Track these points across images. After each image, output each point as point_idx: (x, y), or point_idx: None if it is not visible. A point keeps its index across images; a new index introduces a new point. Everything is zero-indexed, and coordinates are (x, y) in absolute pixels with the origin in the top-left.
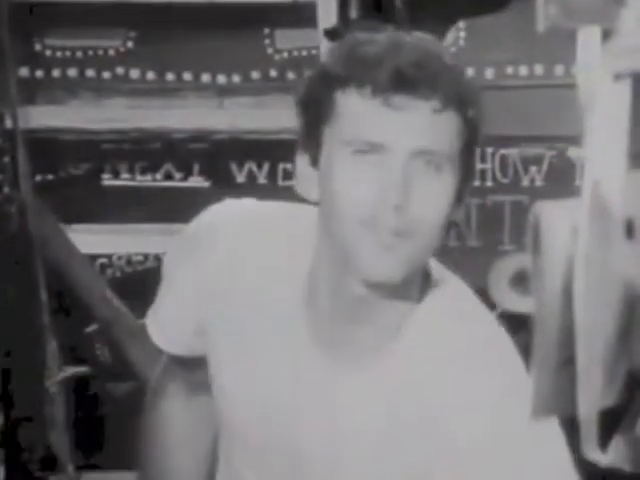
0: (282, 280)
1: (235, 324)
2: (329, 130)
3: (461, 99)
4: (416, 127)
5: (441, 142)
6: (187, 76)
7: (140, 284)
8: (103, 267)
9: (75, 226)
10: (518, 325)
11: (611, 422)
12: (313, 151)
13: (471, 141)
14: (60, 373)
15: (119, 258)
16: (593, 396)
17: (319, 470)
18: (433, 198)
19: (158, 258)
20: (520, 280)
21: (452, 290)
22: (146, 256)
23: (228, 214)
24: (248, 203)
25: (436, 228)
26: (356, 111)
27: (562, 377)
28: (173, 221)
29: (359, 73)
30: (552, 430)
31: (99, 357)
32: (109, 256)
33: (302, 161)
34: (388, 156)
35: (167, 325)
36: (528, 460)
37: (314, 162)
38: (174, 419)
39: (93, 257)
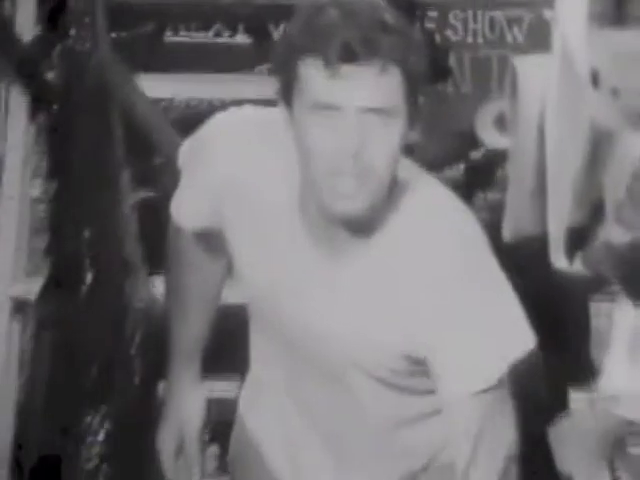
0: (280, 183)
1: (244, 216)
2: (297, 91)
3: (401, 57)
4: (362, 89)
5: (386, 98)
6: None
7: (195, 123)
8: (166, 109)
9: (143, 75)
10: (500, 160)
11: (577, 239)
12: (287, 106)
13: (415, 86)
14: (133, 196)
15: (179, 102)
16: (562, 216)
17: (319, 337)
18: (384, 144)
19: (210, 102)
20: (502, 121)
21: (420, 187)
22: (201, 100)
23: (233, 122)
24: (249, 111)
25: (390, 167)
26: (312, 78)
27: (535, 201)
28: (222, 71)
29: (312, 47)
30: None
31: (164, 184)
32: (170, 100)
33: (282, 106)
34: (342, 114)
35: (186, 211)
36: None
37: (290, 112)
38: (190, 255)
39: (157, 101)
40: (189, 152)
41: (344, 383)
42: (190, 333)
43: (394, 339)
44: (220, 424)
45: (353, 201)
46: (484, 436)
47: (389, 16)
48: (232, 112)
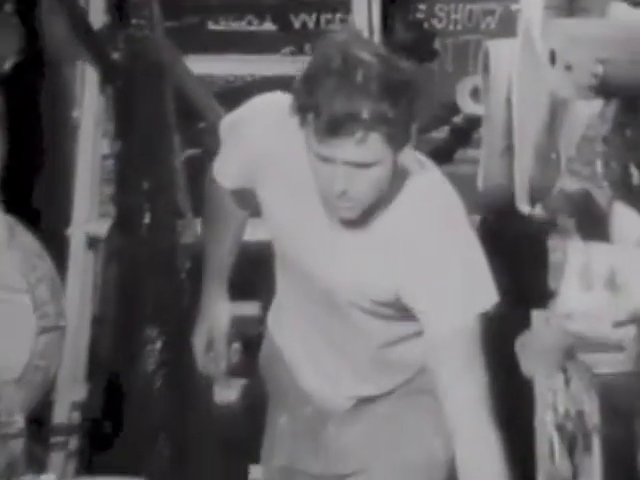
0: (302, 162)
1: (276, 176)
2: (307, 131)
3: (383, 125)
4: (347, 152)
5: (368, 156)
6: None
7: (232, 95)
8: (209, 84)
9: (191, 55)
10: (476, 124)
11: (538, 188)
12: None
13: (400, 139)
14: (182, 154)
15: (219, 78)
16: (525, 170)
17: (324, 280)
18: (369, 184)
19: (244, 78)
20: (477, 93)
21: (416, 173)
22: (237, 76)
23: (268, 104)
24: (280, 96)
25: (377, 193)
26: (312, 131)
27: (504, 158)
28: (254, 53)
29: (311, 110)
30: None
31: (207, 144)
32: (212, 76)
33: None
34: (333, 165)
35: (226, 175)
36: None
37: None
38: (224, 204)
39: (202, 77)
40: (230, 127)
41: (346, 314)
42: (220, 260)
43: (383, 290)
44: (245, 336)
45: (349, 212)
46: (464, 367)
47: (384, 77)
48: (267, 96)
